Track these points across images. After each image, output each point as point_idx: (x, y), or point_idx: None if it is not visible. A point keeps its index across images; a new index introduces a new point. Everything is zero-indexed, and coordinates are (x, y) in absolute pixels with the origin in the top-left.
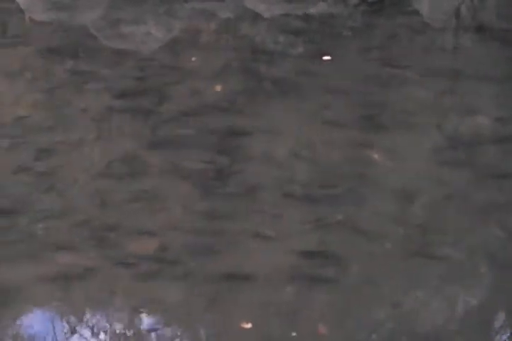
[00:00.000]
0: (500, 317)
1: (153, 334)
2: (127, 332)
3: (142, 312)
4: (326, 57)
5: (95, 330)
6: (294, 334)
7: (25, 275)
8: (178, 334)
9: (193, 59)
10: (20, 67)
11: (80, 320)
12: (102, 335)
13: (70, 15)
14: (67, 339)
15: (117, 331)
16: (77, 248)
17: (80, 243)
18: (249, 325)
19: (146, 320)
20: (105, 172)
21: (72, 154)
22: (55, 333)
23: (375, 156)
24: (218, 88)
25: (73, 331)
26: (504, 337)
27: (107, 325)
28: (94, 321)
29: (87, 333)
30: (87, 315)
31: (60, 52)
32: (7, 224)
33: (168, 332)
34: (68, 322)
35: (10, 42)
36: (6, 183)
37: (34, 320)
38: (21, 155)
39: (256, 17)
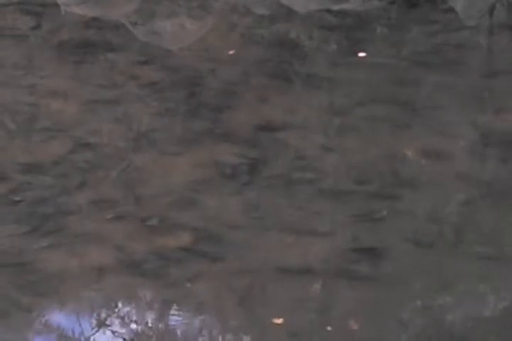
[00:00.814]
0: None
1: (184, 328)
2: (159, 324)
3: (173, 305)
4: (361, 54)
5: (128, 322)
6: (328, 328)
7: (64, 265)
8: (210, 328)
9: (231, 52)
10: (55, 60)
11: (113, 312)
12: (134, 327)
13: (105, 9)
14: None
15: (149, 323)
16: (113, 240)
17: (116, 235)
18: (280, 321)
19: (178, 313)
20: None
21: (107, 149)
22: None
23: (409, 153)
24: (254, 82)
25: (106, 323)
26: None
27: (139, 317)
28: (126, 312)
29: (120, 324)
30: (120, 307)
31: (94, 45)
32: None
33: (199, 326)
34: (101, 313)
35: (45, 35)
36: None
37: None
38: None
39: (291, 13)
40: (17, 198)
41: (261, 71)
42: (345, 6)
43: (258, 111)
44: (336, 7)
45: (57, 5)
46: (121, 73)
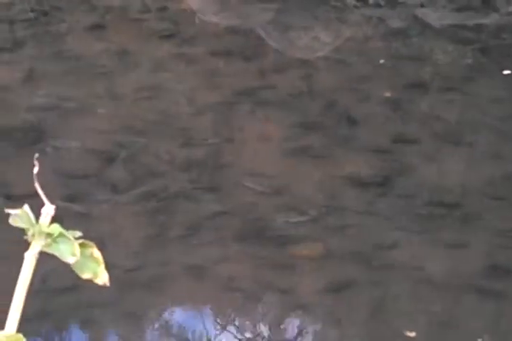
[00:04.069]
0: None
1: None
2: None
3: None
4: (506, 72)
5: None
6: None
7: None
8: (343, 339)
9: (381, 61)
10: (191, 66)
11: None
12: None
13: (241, 19)
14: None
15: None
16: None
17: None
18: (413, 334)
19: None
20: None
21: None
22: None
23: None
24: (387, 94)
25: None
26: None
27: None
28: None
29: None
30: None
31: (228, 53)
32: None
33: (330, 336)
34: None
35: (182, 43)
36: None
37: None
38: None
39: (425, 26)
40: None
41: (395, 83)
42: (482, 21)
43: (393, 123)
44: (472, 22)
45: (193, 12)
46: (256, 80)
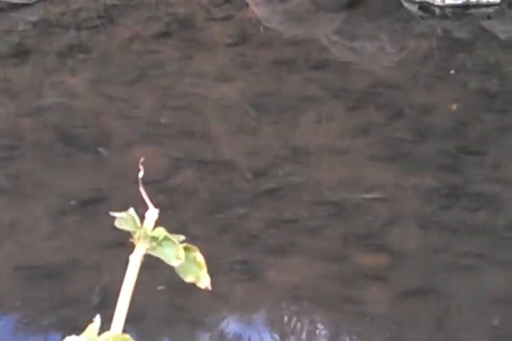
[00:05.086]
0: None
1: None
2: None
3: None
4: None
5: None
6: None
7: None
8: None
9: (452, 72)
10: (255, 75)
11: None
12: None
13: (307, 28)
14: None
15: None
16: None
17: None
18: None
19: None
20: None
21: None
22: None
23: None
24: (454, 107)
25: None
26: None
27: None
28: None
29: None
30: None
31: (293, 62)
32: None
33: None
34: None
35: (246, 51)
36: None
37: None
38: None
39: (492, 38)
40: None
41: (461, 95)
42: None
43: (458, 135)
44: None
45: (260, 21)
46: (320, 90)
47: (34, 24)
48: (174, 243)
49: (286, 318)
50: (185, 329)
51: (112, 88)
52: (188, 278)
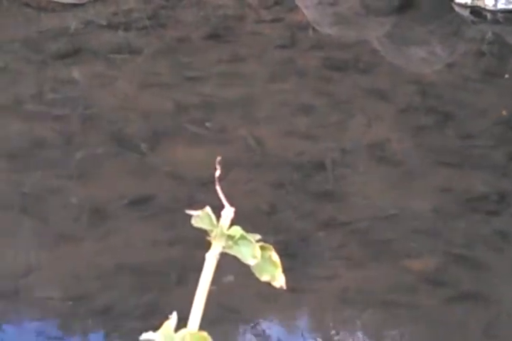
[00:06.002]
0: None
1: None
2: None
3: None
4: None
5: None
6: None
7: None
8: None
9: (506, 76)
10: (304, 77)
11: None
12: None
13: (358, 31)
14: None
15: None
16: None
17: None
18: None
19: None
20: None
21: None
22: None
23: None
24: (504, 112)
25: None
26: None
27: None
28: None
29: None
30: None
31: (343, 65)
32: None
33: None
34: None
35: (296, 53)
36: None
37: None
38: None
39: None
40: None
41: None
42: None
43: (508, 141)
44: None
45: (309, 24)
46: (370, 93)
47: (85, 24)
48: (251, 242)
49: (333, 322)
50: (234, 330)
51: (160, 89)
52: (264, 277)
